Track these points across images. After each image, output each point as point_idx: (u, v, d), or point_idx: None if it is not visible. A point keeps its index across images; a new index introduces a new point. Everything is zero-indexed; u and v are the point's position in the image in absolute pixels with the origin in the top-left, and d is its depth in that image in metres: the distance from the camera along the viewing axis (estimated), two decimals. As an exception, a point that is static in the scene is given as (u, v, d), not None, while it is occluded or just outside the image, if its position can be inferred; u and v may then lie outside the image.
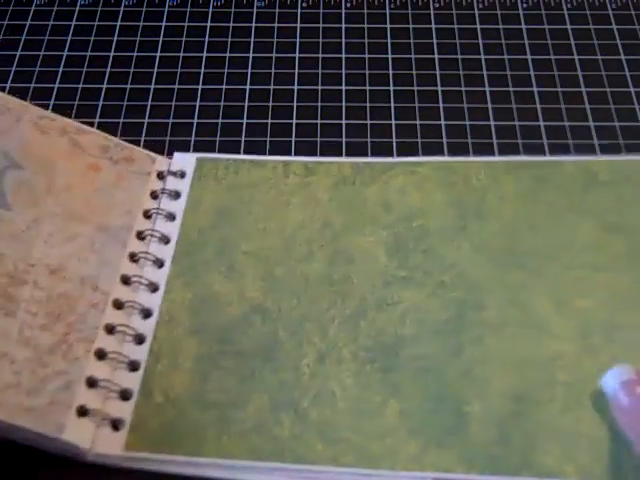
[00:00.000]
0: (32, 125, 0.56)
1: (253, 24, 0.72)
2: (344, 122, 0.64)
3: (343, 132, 0.63)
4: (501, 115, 0.64)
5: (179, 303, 0.52)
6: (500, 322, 0.50)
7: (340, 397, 0.48)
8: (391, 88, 0.66)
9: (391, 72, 0.67)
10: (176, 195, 0.58)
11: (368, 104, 0.65)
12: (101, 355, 0.49)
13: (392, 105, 0.65)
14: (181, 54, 0.69)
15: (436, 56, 0.68)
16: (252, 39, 0.70)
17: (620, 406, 0.45)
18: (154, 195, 0.58)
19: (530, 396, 0.47)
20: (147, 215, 0.56)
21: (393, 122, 0.64)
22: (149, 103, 0.65)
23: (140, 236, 0.55)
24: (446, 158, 0.60)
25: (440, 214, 0.56)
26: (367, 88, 0.66)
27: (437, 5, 0.73)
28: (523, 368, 0.48)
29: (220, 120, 0.64)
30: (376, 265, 0.53)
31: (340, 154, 0.61)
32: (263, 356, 0.50)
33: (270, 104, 0.65)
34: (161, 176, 0.59)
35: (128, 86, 0.67)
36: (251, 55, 0.69)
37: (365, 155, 0.61)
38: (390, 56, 0.69)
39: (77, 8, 0.73)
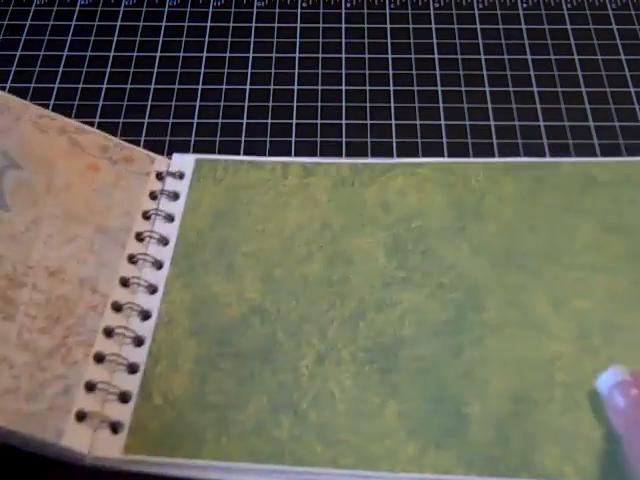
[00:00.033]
0: (32, 124, 0.56)
1: (253, 24, 0.72)
2: (344, 122, 0.64)
3: (343, 132, 0.63)
4: (501, 115, 0.64)
5: (178, 304, 0.52)
6: (499, 323, 0.50)
7: (339, 398, 0.48)
8: (391, 88, 0.66)
9: (391, 72, 0.67)
10: (175, 196, 0.57)
11: (368, 104, 0.65)
12: (100, 358, 0.48)
13: (392, 105, 0.65)
14: (181, 54, 0.69)
15: (436, 56, 0.68)
16: (252, 39, 0.70)
17: (614, 407, 0.45)
18: (153, 196, 0.57)
19: (529, 397, 0.47)
20: (146, 216, 0.56)
21: (393, 122, 0.64)
22: (149, 103, 0.65)
23: (139, 237, 0.55)
24: (445, 159, 0.60)
25: (439, 215, 0.56)
26: (367, 88, 0.66)
27: (437, 5, 0.73)
28: (522, 369, 0.48)
29: (220, 120, 0.64)
30: (375, 266, 0.53)
31: (340, 154, 0.61)
32: (262, 357, 0.50)
33: (270, 104, 0.65)
34: (160, 177, 0.58)
35: (128, 86, 0.67)
36: (251, 55, 0.69)
37: (365, 155, 0.61)
38: (390, 56, 0.69)
39: (77, 8, 0.73)
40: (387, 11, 0.72)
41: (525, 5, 0.72)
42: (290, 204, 0.57)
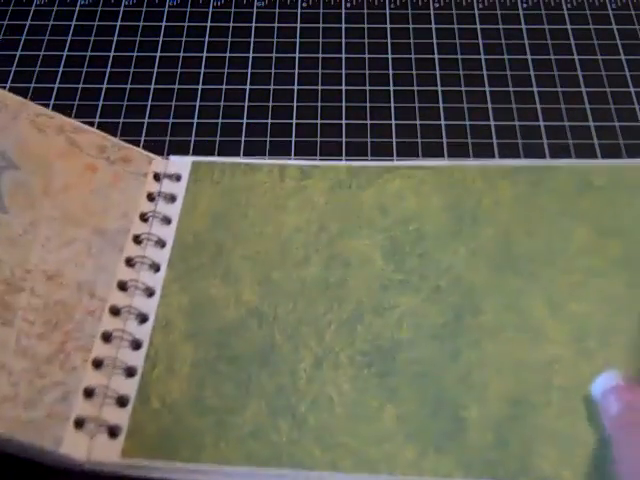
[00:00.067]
0: (29, 123, 0.55)
1: (253, 24, 0.72)
2: (344, 122, 0.64)
3: (343, 132, 0.63)
4: (501, 115, 0.64)
5: (175, 307, 0.52)
6: (496, 326, 0.50)
7: (337, 402, 0.48)
8: (391, 88, 0.66)
9: (391, 72, 0.67)
10: (172, 198, 0.57)
11: (368, 104, 0.65)
12: (98, 364, 0.48)
13: (392, 105, 0.65)
14: (181, 54, 0.69)
15: (436, 56, 0.68)
16: (252, 39, 0.70)
17: (607, 412, 0.45)
18: (150, 197, 0.57)
19: (527, 400, 0.47)
20: (144, 218, 0.56)
21: (393, 122, 0.64)
22: (149, 103, 0.65)
23: (137, 240, 0.55)
24: (442, 162, 0.60)
25: (436, 218, 0.55)
26: (367, 88, 0.66)
27: (437, 5, 0.72)
28: (520, 372, 0.48)
29: (220, 120, 0.64)
30: (372, 269, 0.53)
31: (340, 154, 0.61)
32: (260, 360, 0.50)
33: (270, 104, 0.65)
34: (157, 178, 0.58)
35: (128, 86, 0.67)
36: (251, 55, 0.69)
37: (365, 155, 0.61)
38: (390, 56, 0.68)
39: (77, 8, 0.73)
40: (387, 11, 0.72)
41: (525, 5, 0.72)
42: (287, 207, 0.57)
